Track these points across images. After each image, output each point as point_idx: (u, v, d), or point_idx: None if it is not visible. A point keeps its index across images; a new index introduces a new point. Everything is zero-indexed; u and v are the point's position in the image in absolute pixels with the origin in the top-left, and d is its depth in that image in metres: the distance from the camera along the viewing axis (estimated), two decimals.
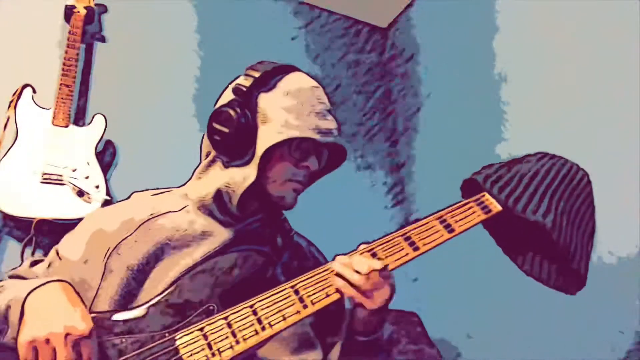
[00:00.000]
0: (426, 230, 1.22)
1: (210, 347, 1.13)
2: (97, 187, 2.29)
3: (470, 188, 1.29)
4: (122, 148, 2.45)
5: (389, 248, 1.20)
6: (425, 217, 1.24)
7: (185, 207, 1.34)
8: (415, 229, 1.22)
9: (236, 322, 1.14)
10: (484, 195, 1.25)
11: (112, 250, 1.27)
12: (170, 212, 1.33)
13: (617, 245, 2.02)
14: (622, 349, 1.99)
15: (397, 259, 1.19)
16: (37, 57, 2.45)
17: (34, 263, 1.36)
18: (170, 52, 2.64)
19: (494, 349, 2.26)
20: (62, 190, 2.25)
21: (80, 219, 1.42)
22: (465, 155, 2.30)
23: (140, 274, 1.25)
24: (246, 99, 1.30)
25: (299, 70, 1.40)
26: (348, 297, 1.17)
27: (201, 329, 1.15)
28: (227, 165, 1.31)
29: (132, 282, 1.25)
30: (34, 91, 2.34)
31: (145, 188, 1.46)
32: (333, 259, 1.21)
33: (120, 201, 1.53)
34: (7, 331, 1.14)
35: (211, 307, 1.18)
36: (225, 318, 1.15)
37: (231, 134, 1.28)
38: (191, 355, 1.13)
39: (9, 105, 2.30)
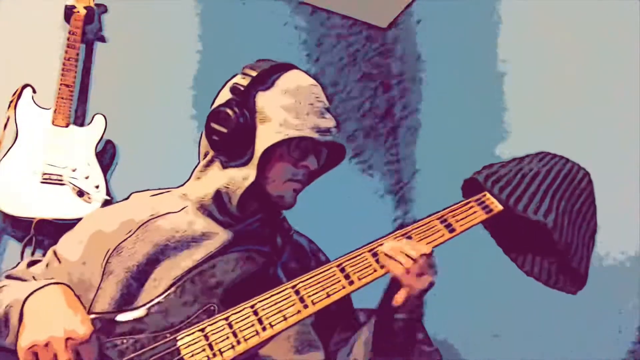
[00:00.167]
0: (427, 229, 1.22)
1: (211, 347, 1.13)
2: (97, 187, 2.28)
3: (471, 188, 1.29)
4: (122, 148, 2.45)
5: None
6: (426, 217, 1.24)
7: (184, 207, 1.34)
8: (416, 228, 1.22)
9: (237, 322, 1.14)
10: (485, 195, 1.25)
11: (112, 251, 1.27)
12: (169, 212, 1.33)
13: (617, 245, 2.02)
14: (623, 350, 1.99)
15: None
16: (37, 57, 2.45)
17: (31, 263, 1.36)
18: (170, 52, 2.64)
19: (495, 349, 2.26)
20: (62, 190, 2.25)
21: (80, 219, 1.42)
22: (466, 155, 2.30)
23: (140, 275, 1.25)
24: (244, 99, 1.29)
25: (296, 68, 1.39)
26: (397, 277, 1.18)
27: (202, 330, 1.14)
28: (225, 166, 1.31)
29: (132, 283, 1.24)
30: (34, 91, 2.34)
31: (145, 188, 1.46)
32: (336, 259, 1.21)
33: (119, 201, 1.53)
34: (7, 334, 1.13)
35: (212, 308, 1.18)
36: (226, 318, 1.15)
37: (229, 134, 1.27)
38: (192, 355, 1.13)
39: (9, 105, 2.30)
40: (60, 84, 2.32)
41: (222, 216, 1.32)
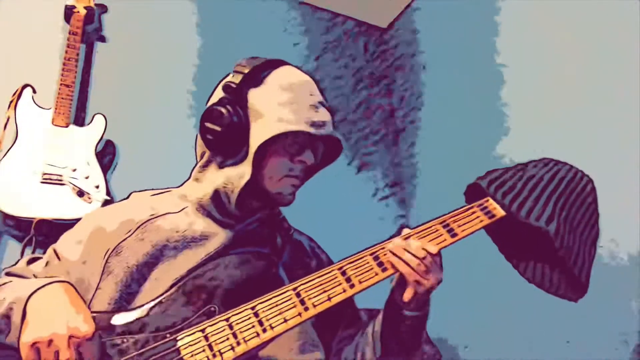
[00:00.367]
0: (429, 234, 1.22)
1: (211, 348, 1.13)
2: (97, 187, 2.28)
3: (474, 193, 1.28)
4: (122, 148, 2.45)
5: None
6: (428, 221, 1.24)
7: (184, 208, 1.34)
8: (418, 232, 1.22)
9: (237, 323, 1.14)
10: (487, 200, 1.24)
11: (111, 251, 1.27)
12: (169, 213, 1.33)
13: (618, 246, 2.02)
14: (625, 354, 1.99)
15: None
16: (37, 57, 2.45)
17: (31, 260, 1.36)
18: (170, 52, 2.63)
19: (496, 351, 2.25)
20: (62, 190, 2.25)
21: (80, 219, 1.42)
22: (466, 155, 2.31)
23: (139, 275, 1.25)
24: (236, 96, 1.29)
25: (288, 64, 1.38)
26: (404, 275, 1.19)
27: (203, 330, 1.15)
28: (222, 165, 1.31)
29: (131, 283, 1.24)
30: (34, 91, 2.34)
31: (145, 188, 1.46)
32: (337, 262, 1.21)
33: (119, 201, 1.53)
34: (10, 332, 1.13)
35: (212, 309, 1.18)
36: (227, 319, 1.15)
37: (223, 132, 1.27)
38: (192, 356, 1.13)
39: (9, 105, 2.30)
40: (60, 84, 2.32)
41: (221, 216, 1.32)
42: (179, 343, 1.14)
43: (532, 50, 2.43)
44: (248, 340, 1.13)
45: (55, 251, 1.34)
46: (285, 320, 1.15)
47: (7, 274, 1.34)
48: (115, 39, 2.59)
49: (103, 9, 2.55)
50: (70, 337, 1.08)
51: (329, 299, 1.17)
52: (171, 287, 1.21)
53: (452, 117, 2.73)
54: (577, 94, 2.23)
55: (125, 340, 1.14)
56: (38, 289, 1.14)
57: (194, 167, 1.39)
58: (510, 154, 2.36)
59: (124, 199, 1.45)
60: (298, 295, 1.17)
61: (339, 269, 1.20)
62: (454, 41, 2.80)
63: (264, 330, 1.14)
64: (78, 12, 2.43)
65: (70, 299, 1.14)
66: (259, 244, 1.32)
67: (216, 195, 1.31)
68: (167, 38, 2.63)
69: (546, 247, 1.23)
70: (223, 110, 1.27)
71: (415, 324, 1.25)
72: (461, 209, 1.24)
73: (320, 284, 1.18)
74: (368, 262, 1.20)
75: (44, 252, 1.39)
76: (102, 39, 2.58)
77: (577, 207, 1.25)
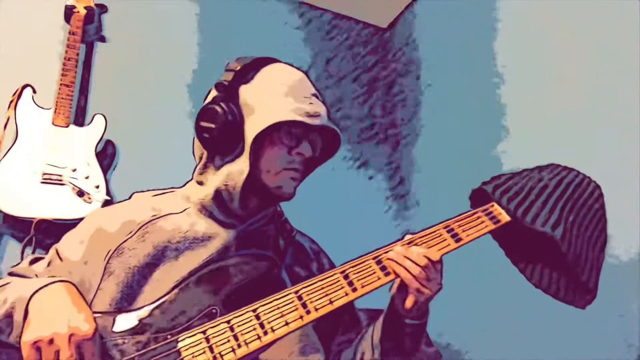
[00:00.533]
0: (433, 238, 1.21)
1: (212, 350, 1.13)
2: (97, 187, 2.29)
3: (478, 198, 1.27)
4: (122, 148, 2.45)
5: None
6: (432, 226, 1.23)
7: (186, 209, 1.34)
8: (422, 237, 1.22)
9: (239, 326, 1.14)
10: (492, 206, 1.23)
11: (113, 252, 1.27)
12: (171, 214, 1.33)
13: (618, 247, 2.02)
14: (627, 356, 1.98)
15: None
16: (37, 57, 2.45)
17: (33, 261, 1.36)
18: (170, 52, 2.64)
19: (496, 352, 2.25)
20: (62, 190, 2.25)
21: (80, 219, 1.42)
22: (466, 155, 2.31)
23: (141, 276, 1.25)
24: (229, 93, 1.30)
25: (279, 61, 1.39)
26: (406, 282, 1.18)
27: (203, 332, 1.14)
28: (221, 164, 1.31)
29: (132, 284, 1.24)
30: (34, 91, 2.34)
31: (145, 188, 1.45)
32: (340, 266, 1.21)
33: (120, 201, 1.53)
34: (11, 330, 1.14)
35: (214, 311, 1.18)
36: (228, 322, 1.15)
37: (218, 129, 1.28)
38: (193, 357, 1.13)
39: (9, 105, 2.30)
40: (60, 84, 2.32)
41: (223, 216, 1.32)
42: (180, 344, 1.14)
43: (532, 49, 2.43)
44: (249, 342, 1.13)
45: (57, 251, 1.34)
46: (287, 323, 1.14)
47: (10, 274, 1.35)
48: (115, 39, 2.59)
49: (103, 9, 2.56)
50: (71, 336, 1.08)
51: (331, 302, 1.16)
52: (173, 288, 1.21)
53: (452, 117, 2.73)
54: (577, 94, 2.23)
55: (126, 340, 1.14)
56: (40, 288, 1.15)
57: (194, 169, 1.39)
58: (510, 154, 2.36)
59: (126, 199, 1.45)
60: (300, 298, 1.16)
61: (342, 272, 1.19)
62: (454, 41, 2.81)
63: (265, 333, 1.14)
64: (78, 12, 2.43)
65: (72, 299, 1.14)
66: (262, 246, 1.32)
67: (218, 195, 1.31)
68: (167, 38, 2.63)
69: (553, 253, 1.21)
70: (217, 108, 1.29)
71: (415, 332, 1.24)
72: (466, 214, 1.24)
73: (323, 287, 1.17)
74: (371, 266, 1.20)
75: (45, 253, 1.39)
76: (102, 39, 2.58)
77: (585, 213, 1.23)
